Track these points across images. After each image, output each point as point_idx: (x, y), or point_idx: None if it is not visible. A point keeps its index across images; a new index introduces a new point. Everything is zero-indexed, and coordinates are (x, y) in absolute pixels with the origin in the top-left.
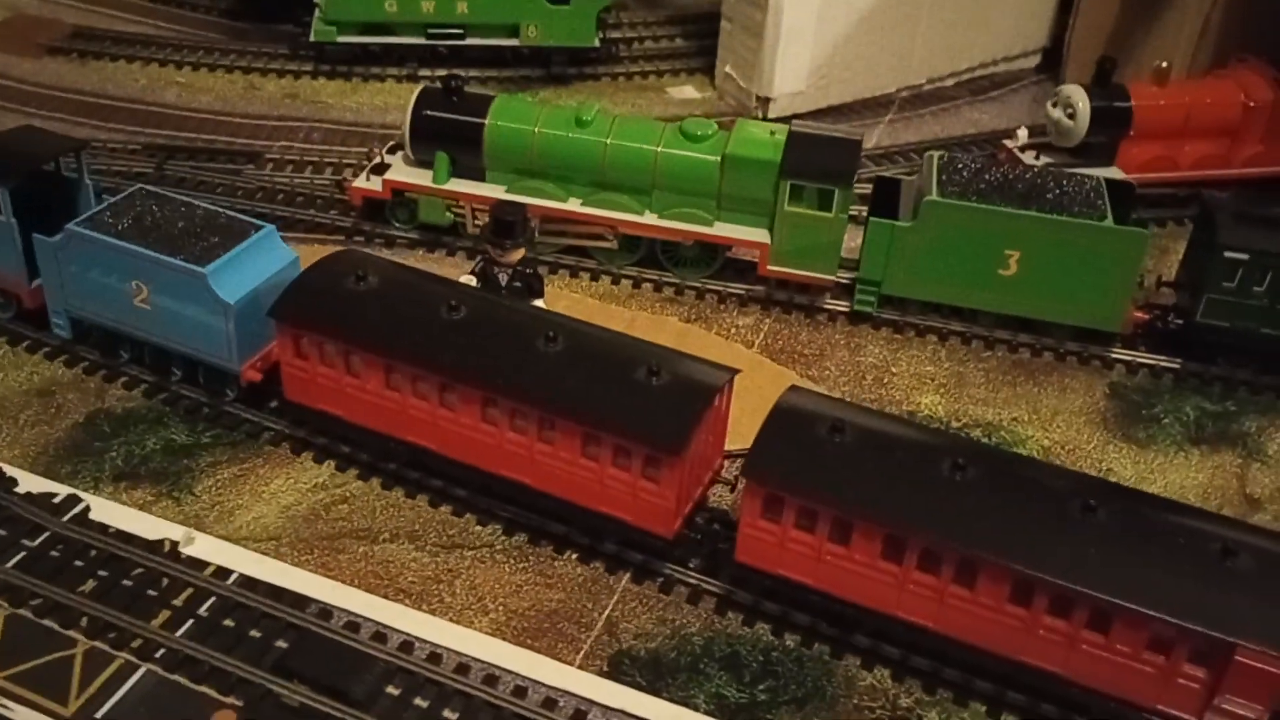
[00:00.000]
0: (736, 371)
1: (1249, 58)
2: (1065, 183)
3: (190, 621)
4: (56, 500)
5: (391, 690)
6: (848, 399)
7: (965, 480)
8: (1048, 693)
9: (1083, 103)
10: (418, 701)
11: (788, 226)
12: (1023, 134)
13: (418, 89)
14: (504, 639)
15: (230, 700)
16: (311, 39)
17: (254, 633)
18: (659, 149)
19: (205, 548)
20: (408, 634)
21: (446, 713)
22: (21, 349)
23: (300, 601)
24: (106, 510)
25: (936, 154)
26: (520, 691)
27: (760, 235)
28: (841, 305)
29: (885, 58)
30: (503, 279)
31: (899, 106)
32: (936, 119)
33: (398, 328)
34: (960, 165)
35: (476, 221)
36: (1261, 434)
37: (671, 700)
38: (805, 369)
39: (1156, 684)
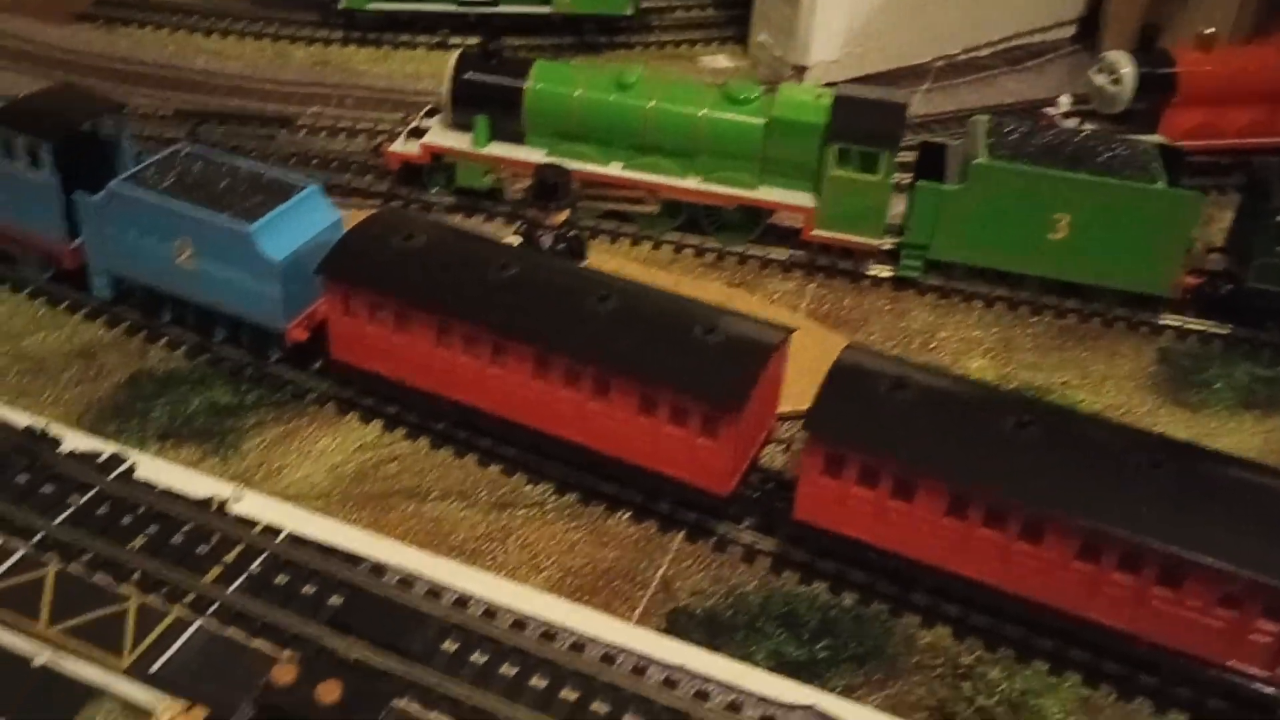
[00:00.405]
0: (792, 330)
1: None
2: (1116, 146)
3: (242, 577)
4: (102, 458)
5: (448, 645)
6: None
7: (1029, 436)
8: (1111, 650)
9: (1128, 68)
10: (475, 657)
11: (833, 190)
12: (1064, 101)
13: (456, 53)
14: (559, 596)
15: (286, 653)
16: (341, 6)
17: (307, 589)
18: (702, 112)
19: (254, 505)
20: (462, 590)
21: (504, 668)
22: (61, 309)
23: (352, 559)
24: (153, 468)
25: (984, 118)
26: (578, 647)
27: (805, 199)
28: (885, 271)
29: (921, 26)
30: (546, 242)
31: (935, 76)
32: (973, 88)
33: (448, 285)
34: (1009, 129)
35: (515, 186)
36: None
37: (730, 657)
38: (851, 334)
39: (1226, 639)
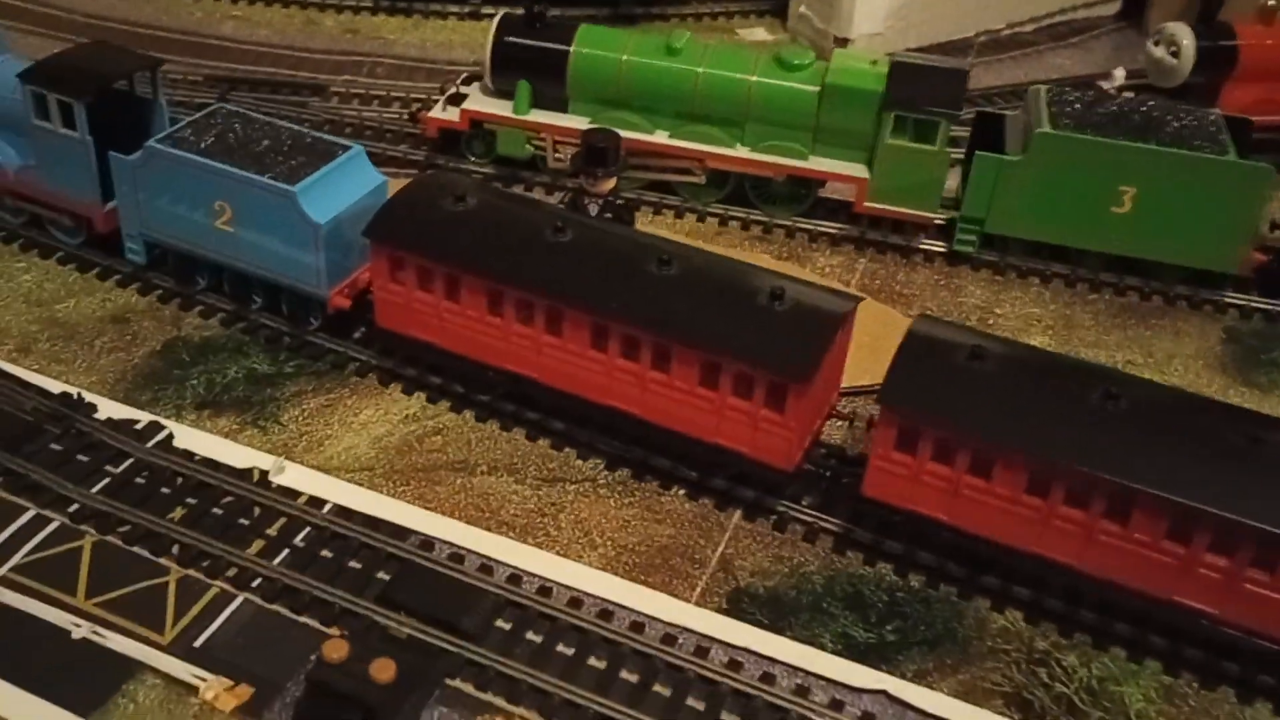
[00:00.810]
0: (860, 299)
1: None
2: (1184, 116)
3: (286, 551)
4: (138, 426)
5: (502, 624)
6: None
7: (1118, 410)
8: (1193, 635)
9: (1188, 40)
10: (530, 635)
11: (888, 160)
12: (1119, 75)
13: (496, 17)
14: (615, 574)
15: (334, 631)
16: None
17: (354, 563)
18: (754, 78)
19: (296, 477)
20: (516, 567)
21: (561, 647)
22: (93, 275)
23: (400, 532)
24: (191, 438)
25: (1043, 87)
26: (637, 627)
27: (858, 170)
28: (938, 245)
29: (964, 1)
30: (592, 210)
31: (978, 51)
32: (1018, 64)
33: (502, 250)
34: (1071, 98)
35: (557, 154)
36: None
37: (796, 639)
38: (906, 309)
39: None
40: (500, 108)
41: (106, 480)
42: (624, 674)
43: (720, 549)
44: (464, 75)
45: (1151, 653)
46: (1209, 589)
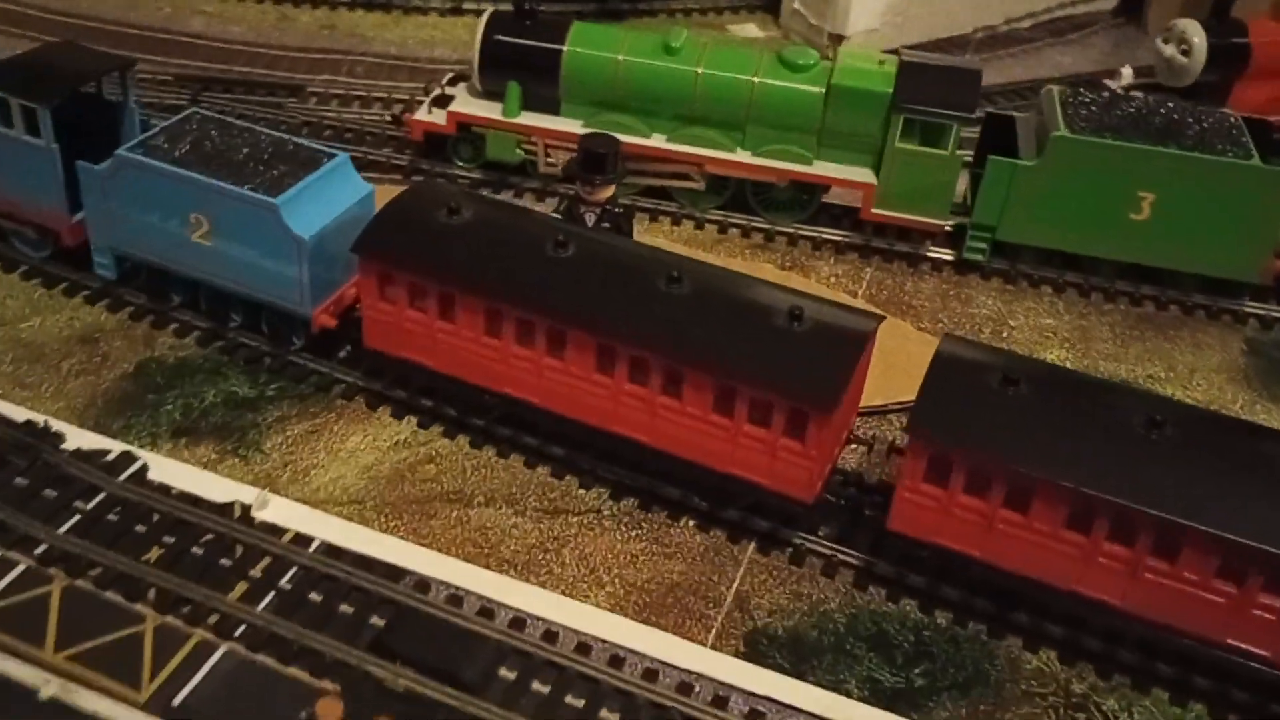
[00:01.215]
0: (882, 318)
1: None
2: (1205, 119)
3: (272, 594)
4: (110, 457)
5: (506, 673)
6: None
7: (1163, 439)
8: (1242, 677)
9: (1199, 38)
10: (536, 686)
11: (897, 165)
12: (1127, 73)
13: (485, 13)
14: (624, 615)
15: (326, 684)
16: None
17: (345, 608)
18: (757, 79)
19: (281, 511)
20: (518, 609)
21: (570, 698)
22: (59, 291)
23: (394, 572)
24: (167, 469)
25: (1055, 88)
26: (651, 675)
27: (865, 175)
28: (945, 253)
29: None
30: (589, 219)
31: (975, 48)
32: (1018, 61)
33: (501, 266)
34: (1086, 99)
35: (549, 159)
36: None
37: (819, 684)
38: (916, 321)
39: None
40: (489, 110)
41: (76, 518)
42: None
43: (735, 585)
44: (449, 75)
45: (1196, 695)
46: (1263, 630)
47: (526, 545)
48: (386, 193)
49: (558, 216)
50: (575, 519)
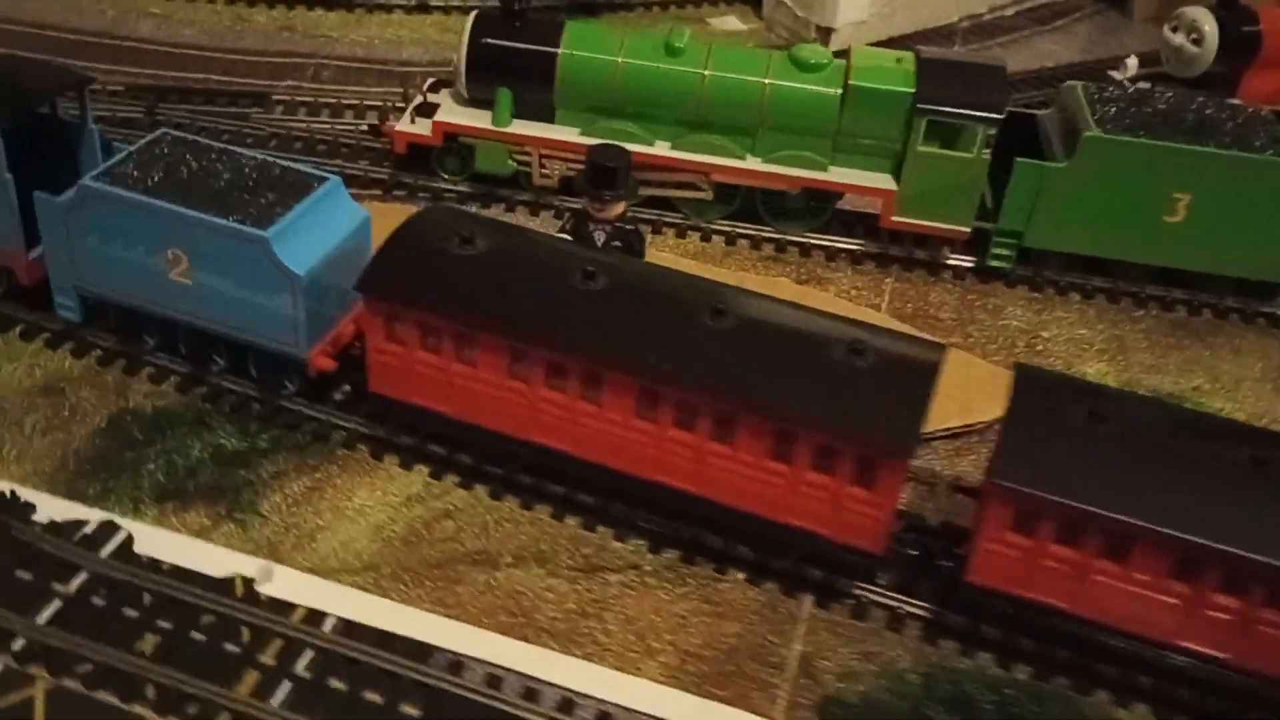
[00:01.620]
0: (946, 348)
1: None
2: (1239, 115)
3: (287, 685)
4: (89, 529)
5: None
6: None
7: (1273, 479)
8: None
9: (1210, 26)
10: None
11: (919, 169)
12: (1132, 64)
13: (471, 14)
14: (682, 688)
15: None
16: None
17: (372, 696)
18: (768, 81)
19: (288, 584)
20: (566, 688)
21: None
22: (15, 335)
23: (422, 651)
24: (154, 540)
25: (1078, 84)
26: None
27: (884, 180)
28: (966, 261)
29: None
30: (599, 238)
31: (963, 37)
32: (1005, 50)
33: (525, 302)
34: (1112, 95)
35: (544, 170)
36: None
37: None
38: (946, 335)
39: None
40: (478, 119)
41: (57, 605)
42: None
43: (797, 646)
44: (430, 81)
45: None
46: None
47: (565, 610)
48: (371, 210)
49: (566, 237)
50: (614, 576)
